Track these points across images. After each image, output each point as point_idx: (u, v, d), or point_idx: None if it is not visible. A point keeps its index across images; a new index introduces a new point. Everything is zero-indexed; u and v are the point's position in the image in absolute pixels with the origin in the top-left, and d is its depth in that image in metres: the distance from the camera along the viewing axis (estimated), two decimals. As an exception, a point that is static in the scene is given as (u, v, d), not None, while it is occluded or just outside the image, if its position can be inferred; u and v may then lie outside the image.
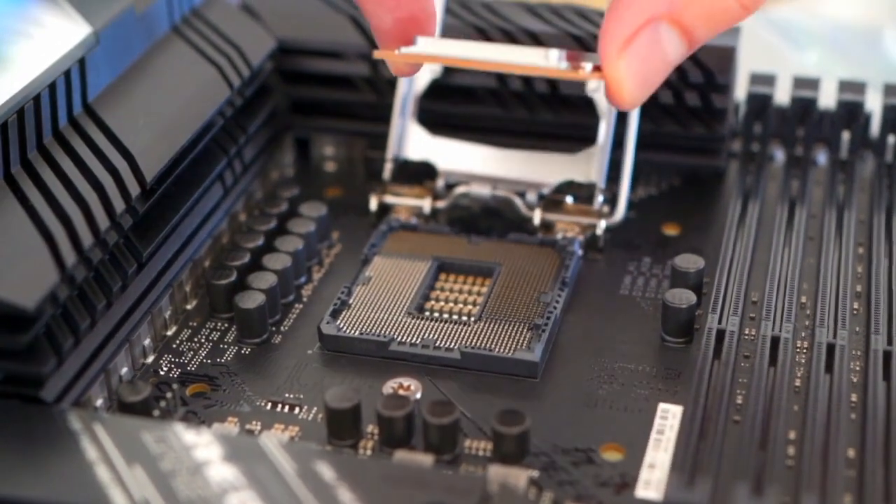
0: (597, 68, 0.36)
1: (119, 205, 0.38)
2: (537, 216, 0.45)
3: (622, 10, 0.35)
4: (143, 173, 0.39)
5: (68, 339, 0.36)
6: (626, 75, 0.35)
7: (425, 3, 0.38)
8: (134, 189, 0.38)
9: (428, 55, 0.37)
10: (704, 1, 0.35)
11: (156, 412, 0.37)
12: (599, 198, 0.45)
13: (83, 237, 0.36)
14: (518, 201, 0.45)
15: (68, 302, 0.36)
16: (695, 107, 0.47)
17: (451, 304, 0.41)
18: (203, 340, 0.41)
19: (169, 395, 0.38)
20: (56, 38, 0.40)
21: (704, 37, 0.36)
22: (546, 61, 0.36)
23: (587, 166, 0.45)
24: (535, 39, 0.47)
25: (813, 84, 0.48)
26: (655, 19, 0.35)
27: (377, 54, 0.38)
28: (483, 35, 0.47)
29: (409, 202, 0.47)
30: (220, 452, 0.32)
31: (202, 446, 0.32)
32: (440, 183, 0.46)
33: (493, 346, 0.39)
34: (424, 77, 0.47)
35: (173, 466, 0.32)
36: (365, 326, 0.40)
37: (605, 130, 0.45)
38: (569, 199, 0.45)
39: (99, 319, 0.37)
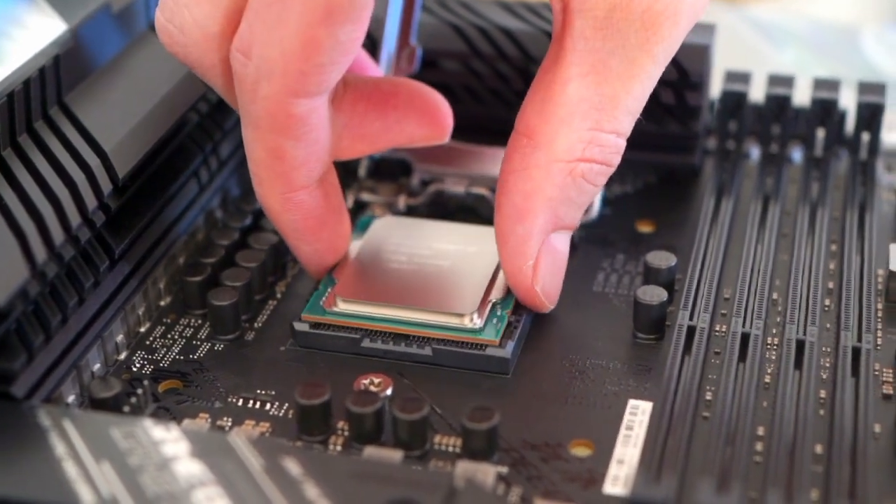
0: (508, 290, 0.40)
1: (91, 202, 0.38)
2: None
3: (517, 244, 0.38)
4: (115, 170, 0.39)
5: (39, 335, 0.36)
6: (544, 295, 0.39)
7: (344, 231, 0.41)
8: (106, 186, 0.39)
9: (356, 318, 0.40)
10: (573, 203, 0.38)
11: (126, 408, 0.37)
12: (574, 195, 0.45)
13: (54, 234, 0.36)
14: (493, 198, 0.45)
15: (39, 298, 0.36)
16: (669, 104, 0.47)
17: (425, 301, 0.41)
18: (176, 337, 0.41)
19: (140, 391, 0.38)
20: (31, 35, 0.40)
21: (580, 219, 0.39)
22: (462, 323, 0.39)
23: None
24: (512, 37, 0.47)
25: (788, 81, 0.48)
26: (547, 237, 0.39)
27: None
28: (459, 33, 0.47)
29: (384, 199, 0.47)
30: (187, 448, 0.32)
31: (170, 442, 0.32)
32: (415, 180, 0.47)
33: (464, 342, 0.39)
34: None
35: (141, 462, 0.32)
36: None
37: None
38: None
39: (70, 316, 0.37)
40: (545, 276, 0.39)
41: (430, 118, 0.42)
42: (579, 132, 0.37)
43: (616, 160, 0.38)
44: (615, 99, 0.37)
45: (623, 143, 0.38)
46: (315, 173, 0.38)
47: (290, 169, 0.37)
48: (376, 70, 0.44)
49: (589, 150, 0.37)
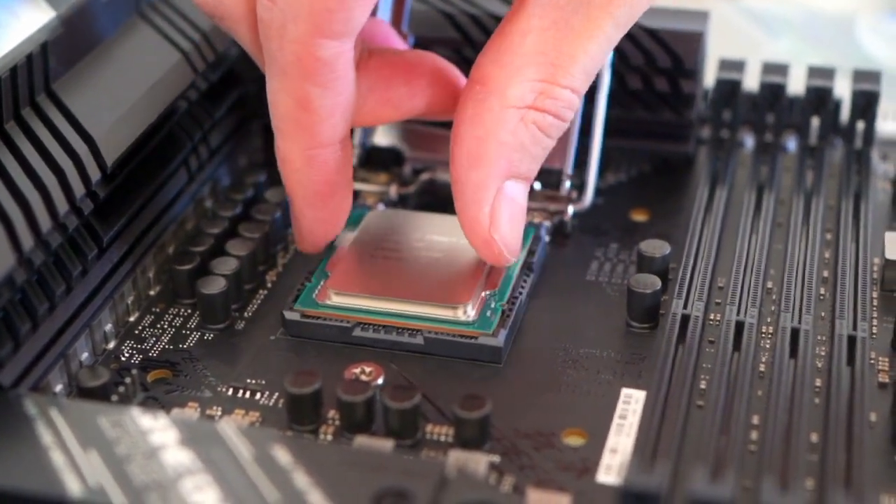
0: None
1: (79, 189, 0.37)
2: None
3: (473, 191, 0.38)
4: (103, 158, 0.38)
5: (26, 323, 0.35)
6: (503, 244, 0.38)
7: (346, 207, 0.40)
8: (94, 173, 0.38)
9: (350, 312, 0.39)
10: (527, 151, 0.38)
11: (115, 398, 0.37)
12: (567, 183, 0.45)
13: (41, 221, 0.36)
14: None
15: (26, 286, 0.36)
16: (663, 92, 0.46)
17: (416, 290, 0.41)
18: (166, 326, 0.40)
19: (128, 380, 0.37)
20: (19, 22, 0.40)
21: (537, 170, 0.39)
22: (456, 315, 0.39)
23: (554, 152, 0.45)
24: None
25: (782, 70, 0.48)
26: (501, 184, 0.38)
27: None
28: (451, 20, 0.47)
29: (376, 188, 0.46)
30: (176, 437, 0.32)
31: (158, 431, 0.32)
32: (407, 169, 0.46)
33: (457, 331, 0.39)
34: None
35: (129, 451, 0.31)
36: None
37: (572, 116, 0.45)
38: (536, 185, 0.45)
39: (58, 304, 0.37)
40: (503, 224, 0.38)
41: (456, 90, 0.42)
42: (532, 82, 0.37)
43: (569, 115, 0.38)
44: (573, 57, 0.37)
45: (577, 100, 0.38)
46: (339, 130, 0.38)
47: (317, 120, 0.37)
48: (402, 45, 0.44)
49: (541, 100, 0.37)
